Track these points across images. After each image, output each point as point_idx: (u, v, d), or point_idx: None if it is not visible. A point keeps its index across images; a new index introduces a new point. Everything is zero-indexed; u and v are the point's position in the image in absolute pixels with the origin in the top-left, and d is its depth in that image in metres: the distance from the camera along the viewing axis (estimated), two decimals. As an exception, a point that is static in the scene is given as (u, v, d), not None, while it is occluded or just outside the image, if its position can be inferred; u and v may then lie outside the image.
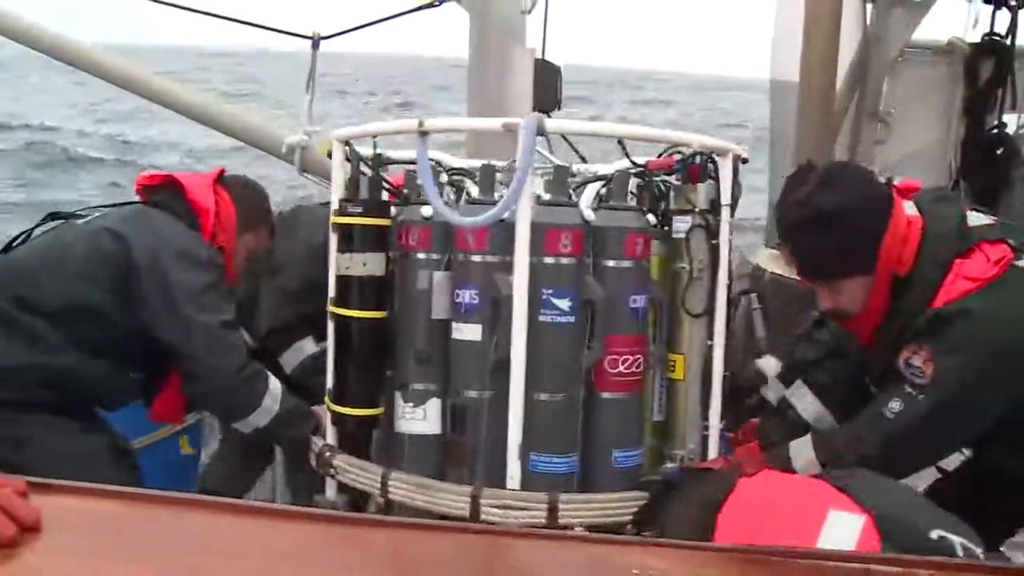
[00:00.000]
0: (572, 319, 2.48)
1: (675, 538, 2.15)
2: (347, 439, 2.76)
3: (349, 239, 2.61)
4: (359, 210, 2.60)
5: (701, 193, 2.63)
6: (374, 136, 2.65)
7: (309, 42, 4.03)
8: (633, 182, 2.75)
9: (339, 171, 2.70)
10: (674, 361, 2.69)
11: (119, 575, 1.17)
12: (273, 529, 1.35)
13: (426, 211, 2.58)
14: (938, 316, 2.40)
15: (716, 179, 2.63)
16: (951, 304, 2.40)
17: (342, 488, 2.71)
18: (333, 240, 2.66)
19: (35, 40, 4.06)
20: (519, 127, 2.34)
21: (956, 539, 1.79)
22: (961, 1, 3.84)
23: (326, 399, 2.74)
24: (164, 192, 3.10)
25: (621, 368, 2.56)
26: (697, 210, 2.63)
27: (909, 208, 2.54)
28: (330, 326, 2.70)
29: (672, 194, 2.74)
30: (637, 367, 2.59)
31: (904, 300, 2.49)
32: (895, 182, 2.62)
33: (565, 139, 3.33)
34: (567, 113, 4.52)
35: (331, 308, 2.69)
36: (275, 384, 2.98)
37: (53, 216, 3.21)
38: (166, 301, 2.86)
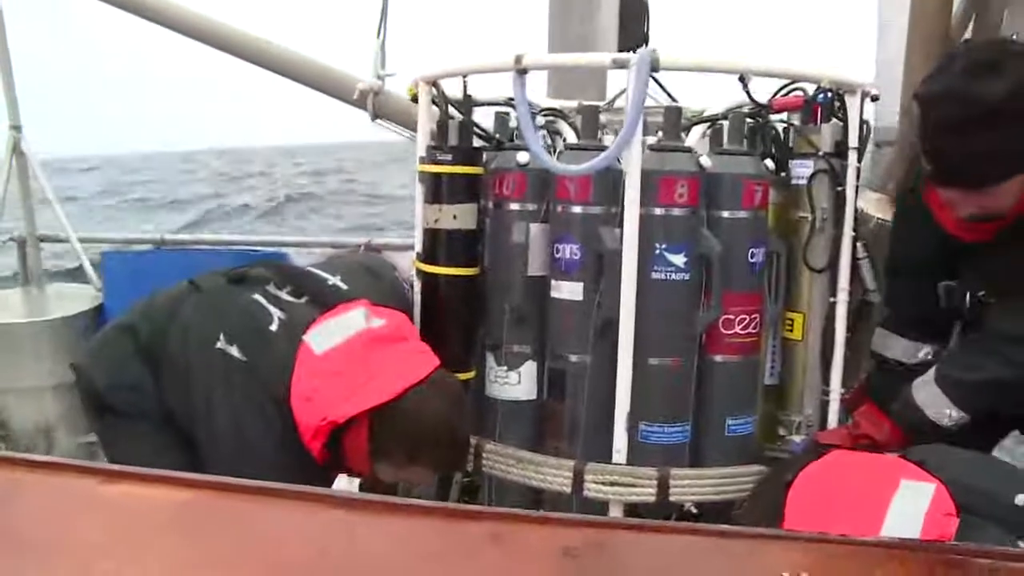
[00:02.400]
0: (687, 276, 2.25)
1: (745, 519, 2.02)
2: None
3: (438, 189, 2.40)
4: (448, 158, 2.38)
5: (826, 134, 2.37)
6: (464, 76, 2.41)
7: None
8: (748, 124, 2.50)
9: (425, 115, 2.47)
10: (792, 320, 2.45)
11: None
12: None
13: (522, 157, 2.36)
14: None
15: (843, 119, 2.37)
16: None
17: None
18: (419, 191, 2.45)
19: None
20: (630, 62, 2.09)
21: None
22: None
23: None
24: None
25: (737, 329, 2.34)
26: (821, 153, 2.37)
27: None
28: (417, 284, 2.50)
29: (791, 136, 2.48)
30: (754, 328, 2.36)
31: None
32: None
33: (654, 78, 3.08)
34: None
35: (418, 264, 2.48)
36: None
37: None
38: None
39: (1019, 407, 2.24)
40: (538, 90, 3.37)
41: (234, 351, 2.24)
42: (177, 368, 2.29)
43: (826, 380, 2.43)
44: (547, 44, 3.59)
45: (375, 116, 3.76)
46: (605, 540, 1.15)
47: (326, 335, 2.27)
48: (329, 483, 2.39)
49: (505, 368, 2.42)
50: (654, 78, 3.09)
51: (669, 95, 3.00)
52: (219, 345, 2.25)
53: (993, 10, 3.17)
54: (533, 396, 2.43)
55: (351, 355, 2.24)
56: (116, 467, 1.28)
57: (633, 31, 3.60)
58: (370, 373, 2.21)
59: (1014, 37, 3.35)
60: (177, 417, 2.29)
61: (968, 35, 3.23)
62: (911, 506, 1.74)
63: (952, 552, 1.18)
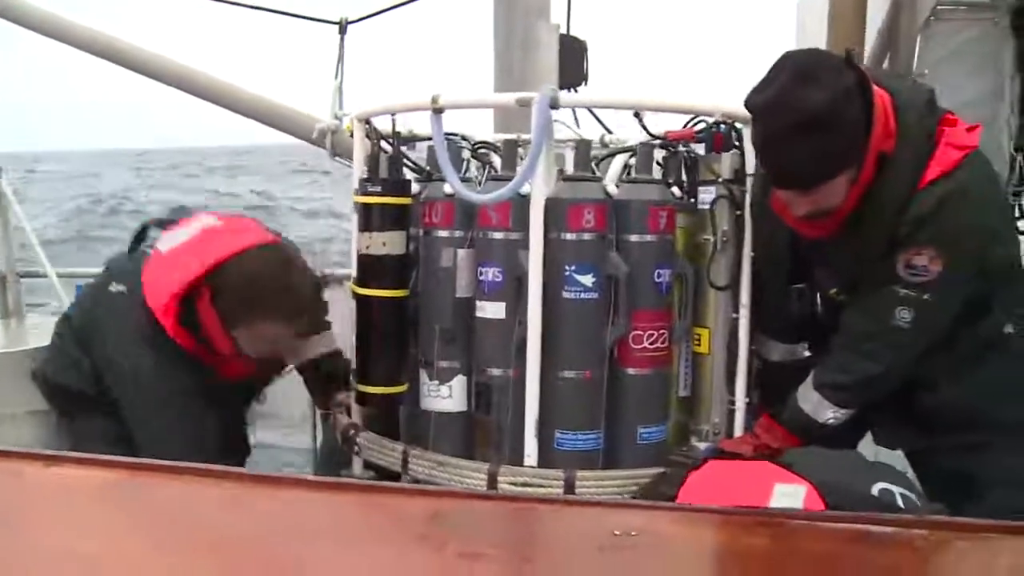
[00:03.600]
0: (596, 295, 2.45)
1: None
2: (376, 418, 2.77)
3: (369, 218, 2.61)
4: (378, 189, 2.60)
5: (725, 163, 2.58)
6: (392, 113, 2.64)
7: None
8: (661, 153, 2.72)
9: (359, 150, 2.70)
10: (699, 335, 2.65)
11: (125, 550, 1.19)
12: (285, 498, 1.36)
13: (448, 188, 2.57)
14: (940, 205, 2.23)
15: (740, 148, 2.58)
16: (948, 189, 2.23)
17: (368, 465, 2.72)
18: (354, 220, 2.66)
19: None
20: (533, 102, 2.31)
21: (896, 489, 1.88)
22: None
23: (351, 379, 2.75)
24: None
25: (646, 344, 2.53)
26: (721, 180, 2.58)
27: None
28: (353, 306, 2.71)
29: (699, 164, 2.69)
30: (662, 342, 2.55)
31: (890, 177, 2.28)
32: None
33: (591, 112, 3.30)
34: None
35: (353, 288, 2.69)
36: None
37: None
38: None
39: (892, 392, 2.44)
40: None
41: (118, 287, 2.75)
42: (95, 331, 2.75)
43: (731, 391, 2.62)
44: (492, 82, 3.83)
45: (334, 154, 3.99)
46: (466, 506, 1.36)
47: (173, 238, 2.75)
48: (224, 394, 2.86)
49: (437, 382, 2.62)
50: (592, 113, 3.35)
51: (605, 127, 3.23)
52: (110, 288, 2.77)
53: (903, 51, 3.41)
54: (463, 408, 2.62)
55: (191, 246, 2.69)
56: (56, 452, 1.50)
57: (573, 70, 3.83)
58: (205, 252, 2.65)
59: (925, 73, 3.60)
60: (113, 393, 2.68)
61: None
62: (788, 506, 1.87)
63: (760, 515, 1.37)
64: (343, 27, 4.08)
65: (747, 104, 2.28)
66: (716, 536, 1.19)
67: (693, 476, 2.06)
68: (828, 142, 2.19)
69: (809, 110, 2.15)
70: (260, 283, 2.65)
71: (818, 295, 2.60)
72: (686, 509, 1.28)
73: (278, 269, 2.69)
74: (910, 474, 2.38)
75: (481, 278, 2.54)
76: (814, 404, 2.42)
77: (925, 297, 2.27)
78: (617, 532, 1.13)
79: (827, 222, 2.33)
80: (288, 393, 3.36)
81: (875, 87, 2.26)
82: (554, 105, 2.31)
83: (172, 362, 2.68)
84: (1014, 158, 3.88)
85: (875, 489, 1.93)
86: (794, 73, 2.20)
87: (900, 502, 1.87)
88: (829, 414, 2.41)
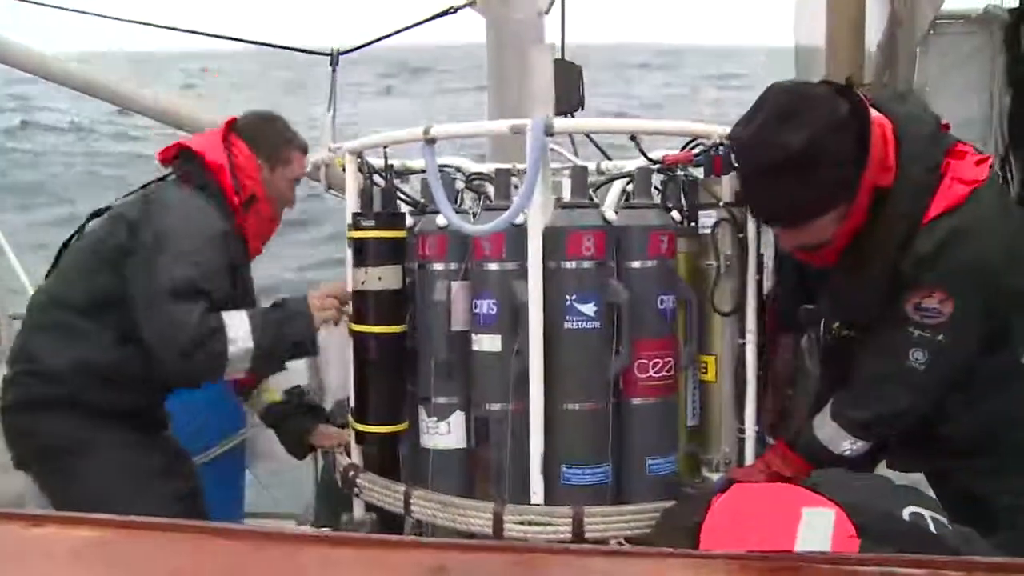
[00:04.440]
0: (598, 324, 2.39)
1: None
2: (375, 457, 2.70)
3: (363, 253, 2.55)
4: (371, 223, 2.54)
5: (725, 185, 2.52)
6: (384, 146, 2.59)
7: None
8: (660, 178, 2.66)
9: (352, 183, 2.65)
10: (705, 363, 2.58)
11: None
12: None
13: (441, 220, 2.51)
14: (942, 246, 2.15)
15: (740, 170, 2.52)
16: (950, 227, 2.15)
17: (370, 507, 2.64)
18: (348, 255, 2.61)
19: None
20: (527, 128, 2.26)
21: (927, 513, 1.86)
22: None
23: (349, 417, 2.68)
24: (182, 161, 3.05)
25: (651, 372, 2.46)
26: (722, 203, 2.52)
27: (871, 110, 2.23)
28: (350, 343, 2.64)
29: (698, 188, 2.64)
30: (668, 371, 2.48)
31: (889, 212, 2.19)
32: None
33: (589, 138, 3.25)
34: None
35: (349, 325, 2.63)
36: (237, 326, 2.74)
37: (96, 214, 3.17)
38: (141, 287, 2.80)
39: (907, 428, 2.37)
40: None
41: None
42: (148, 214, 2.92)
43: (740, 419, 2.55)
44: (487, 111, 3.79)
45: (328, 187, 3.94)
46: (471, 560, 1.28)
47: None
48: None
49: (435, 419, 2.55)
50: (592, 140, 3.30)
51: (604, 154, 3.18)
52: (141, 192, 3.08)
53: (902, 66, 3.37)
54: (463, 444, 2.54)
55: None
56: (38, 512, 1.43)
57: (569, 94, 3.79)
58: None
59: (926, 89, 3.56)
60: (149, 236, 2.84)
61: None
62: (818, 532, 1.84)
63: (792, 560, 1.30)
64: (335, 59, 4.05)
65: (730, 138, 2.25)
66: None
67: (718, 502, 2.00)
68: (808, 182, 2.12)
69: (788, 150, 2.09)
70: (277, 122, 3.16)
71: (822, 324, 2.52)
72: (701, 556, 1.20)
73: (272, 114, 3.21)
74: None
75: (476, 311, 2.48)
76: (831, 434, 2.34)
77: (939, 339, 2.19)
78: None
79: (823, 254, 2.27)
80: None
81: (877, 115, 2.19)
82: (549, 132, 2.26)
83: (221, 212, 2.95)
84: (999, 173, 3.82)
85: (905, 513, 1.88)
86: (774, 111, 2.15)
87: (932, 527, 1.82)
88: (846, 444, 2.33)
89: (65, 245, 3.10)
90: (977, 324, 2.24)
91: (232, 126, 3.11)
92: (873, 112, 2.19)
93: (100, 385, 2.84)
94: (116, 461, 2.84)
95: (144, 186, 3.14)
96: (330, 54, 4.03)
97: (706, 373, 2.58)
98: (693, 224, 2.62)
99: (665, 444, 2.50)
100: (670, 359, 2.49)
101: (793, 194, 2.13)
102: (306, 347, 2.87)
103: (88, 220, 3.13)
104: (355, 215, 2.59)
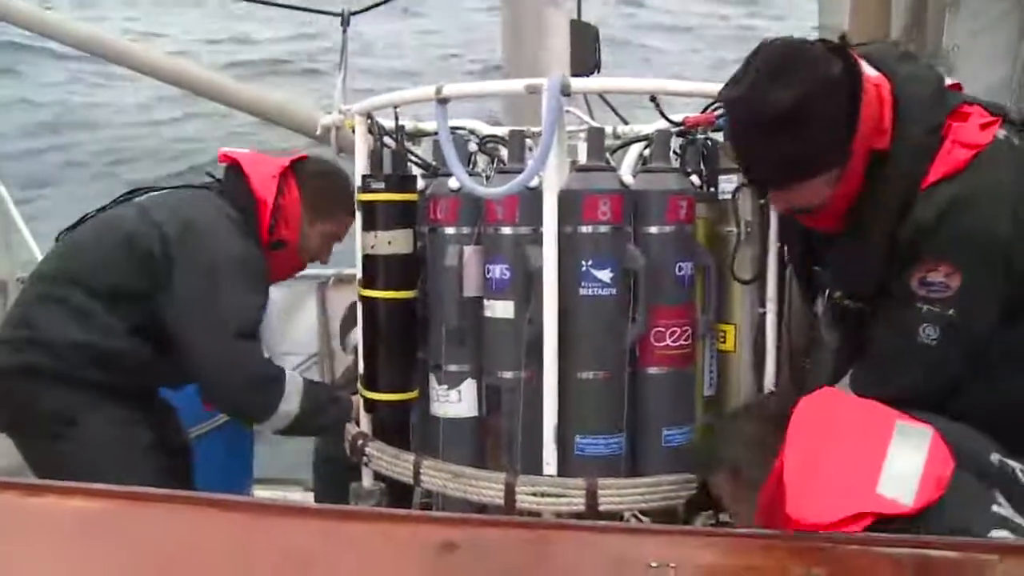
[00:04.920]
0: (613, 291, 2.32)
1: (733, 460, 2.05)
2: (384, 425, 2.65)
3: (373, 216, 2.49)
4: (381, 185, 2.47)
5: (747, 149, 2.43)
6: (395, 106, 2.51)
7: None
8: (678, 142, 2.58)
9: (362, 145, 2.57)
10: (724, 332, 2.51)
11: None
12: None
13: (453, 183, 2.44)
14: (941, 215, 2.05)
15: (764, 133, 2.43)
16: (950, 195, 2.05)
17: (379, 476, 2.60)
18: (357, 218, 2.54)
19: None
20: (543, 88, 2.18)
21: (1015, 464, 1.85)
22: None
23: (358, 384, 2.63)
24: (231, 175, 3.02)
25: (668, 341, 2.39)
26: (743, 168, 2.43)
27: (867, 69, 2.12)
28: (359, 307, 2.58)
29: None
30: (685, 340, 2.42)
31: (887, 175, 2.10)
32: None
33: (606, 101, 3.17)
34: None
35: (359, 289, 2.57)
36: (293, 386, 2.86)
37: (132, 193, 3.15)
38: (186, 304, 2.80)
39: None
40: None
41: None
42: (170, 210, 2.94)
43: (759, 390, 2.48)
44: (502, 70, 3.71)
45: (339, 150, 3.87)
46: (481, 535, 1.23)
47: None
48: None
49: (446, 387, 2.49)
50: (606, 101, 3.21)
51: (620, 117, 3.09)
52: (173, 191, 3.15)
53: (931, 26, 3.26)
54: (474, 413, 2.48)
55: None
56: (37, 481, 1.38)
57: (585, 56, 3.70)
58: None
59: (955, 48, 3.43)
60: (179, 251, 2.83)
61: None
62: (912, 446, 1.81)
63: (813, 539, 1.24)
64: (345, 19, 3.96)
65: (720, 97, 2.17)
66: (764, 564, 1.06)
67: (805, 401, 1.94)
68: (797, 143, 2.03)
69: (776, 109, 2.00)
70: (339, 179, 3.06)
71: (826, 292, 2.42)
72: (725, 535, 1.15)
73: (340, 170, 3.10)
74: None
75: (489, 276, 2.41)
76: None
77: (950, 313, 2.09)
78: (654, 564, 1.00)
79: (821, 217, 2.19)
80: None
81: (875, 75, 2.10)
82: (565, 92, 2.17)
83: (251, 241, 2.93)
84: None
85: (994, 457, 1.87)
86: (765, 68, 2.04)
87: (1021, 477, 1.80)
88: None
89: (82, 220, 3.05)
90: (989, 296, 2.13)
91: (294, 167, 3.05)
92: (872, 72, 2.10)
93: (99, 367, 2.82)
94: (107, 435, 2.81)
95: (177, 187, 3.15)
96: (340, 14, 3.95)
97: (724, 342, 2.51)
98: (713, 189, 2.54)
99: (681, 415, 2.44)
100: (687, 327, 2.42)
101: (782, 153, 2.04)
102: (328, 432, 3.00)
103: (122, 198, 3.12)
104: (365, 177, 2.52)
